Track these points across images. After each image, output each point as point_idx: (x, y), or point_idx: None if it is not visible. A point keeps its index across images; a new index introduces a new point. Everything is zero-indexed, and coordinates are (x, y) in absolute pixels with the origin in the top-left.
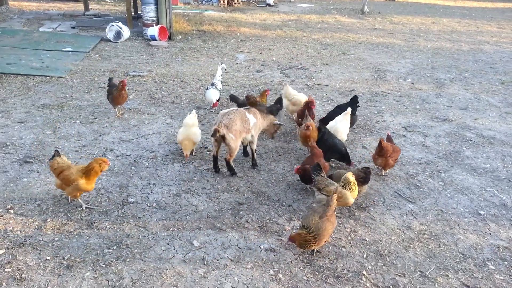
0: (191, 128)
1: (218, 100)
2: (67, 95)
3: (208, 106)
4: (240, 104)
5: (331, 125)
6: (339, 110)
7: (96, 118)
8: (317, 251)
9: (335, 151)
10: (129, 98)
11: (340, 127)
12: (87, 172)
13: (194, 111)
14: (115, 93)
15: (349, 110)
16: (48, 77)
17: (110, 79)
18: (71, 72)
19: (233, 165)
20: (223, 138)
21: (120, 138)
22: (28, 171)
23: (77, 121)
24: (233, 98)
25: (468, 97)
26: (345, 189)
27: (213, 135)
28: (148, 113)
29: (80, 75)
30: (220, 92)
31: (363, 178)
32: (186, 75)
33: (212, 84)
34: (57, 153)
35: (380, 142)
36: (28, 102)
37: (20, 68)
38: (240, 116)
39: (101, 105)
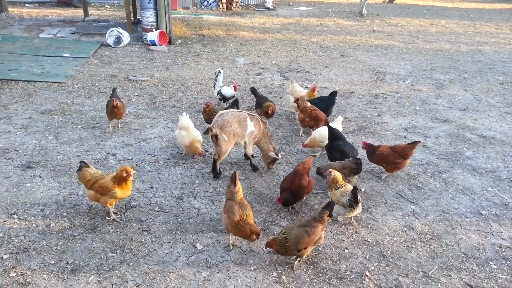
0: (191, 129)
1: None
2: (68, 101)
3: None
4: (258, 98)
5: (319, 129)
6: (318, 101)
7: (97, 123)
8: (303, 261)
9: (342, 153)
10: (130, 103)
11: (325, 132)
12: (118, 182)
13: (184, 113)
14: (107, 108)
15: (340, 118)
16: (49, 83)
17: (113, 90)
18: (72, 77)
19: (218, 167)
20: (216, 138)
21: (122, 143)
22: (31, 176)
23: (79, 126)
24: (253, 91)
25: (467, 98)
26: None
27: (205, 132)
28: (149, 117)
29: (81, 80)
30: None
31: (355, 169)
32: (187, 79)
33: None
34: (84, 164)
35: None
36: (29, 108)
37: (21, 74)
38: (239, 119)
39: (102, 109)
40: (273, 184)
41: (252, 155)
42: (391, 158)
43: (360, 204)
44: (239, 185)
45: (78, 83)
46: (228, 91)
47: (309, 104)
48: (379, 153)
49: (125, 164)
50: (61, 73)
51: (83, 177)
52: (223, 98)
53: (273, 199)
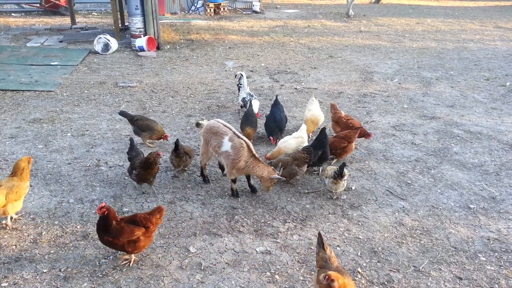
0: None
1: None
2: (57, 109)
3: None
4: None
5: (284, 140)
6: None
7: (87, 130)
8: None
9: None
10: (120, 109)
11: (292, 143)
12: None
13: (206, 120)
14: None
15: (304, 126)
16: (37, 92)
17: (131, 140)
18: (61, 85)
19: (204, 172)
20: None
21: (112, 149)
22: None
23: (69, 134)
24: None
25: (454, 95)
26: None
27: (197, 125)
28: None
29: (70, 88)
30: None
31: (307, 158)
32: (176, 84)
33: (250, 95)
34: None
35: None
36: (18, 117)
37: (9, 84)
38: (217, 131)
39: (91, 117)
40: None
41: (248, 176)
42: (337, 144)
43: (344, 181)
44: (329, 249)
45: (67, 91)
46: (255, 107)
47: (343, 113)
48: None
49: (116, 171)
50: (49, 82)
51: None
52: (245, 107)
53: (265, 200)
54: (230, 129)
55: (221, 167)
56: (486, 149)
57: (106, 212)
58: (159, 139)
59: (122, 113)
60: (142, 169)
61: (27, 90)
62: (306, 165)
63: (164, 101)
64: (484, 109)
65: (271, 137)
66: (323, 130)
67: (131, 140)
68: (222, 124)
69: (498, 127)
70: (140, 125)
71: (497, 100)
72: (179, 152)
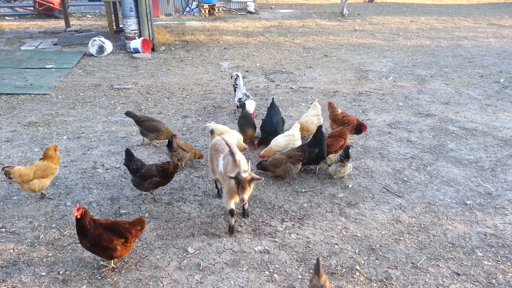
0: (229, 130)
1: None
2: (53, 112)
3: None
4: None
5: (276, 138)
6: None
7: (83, 133)
8: None
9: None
10: (116, 111)
11: (281, 141)
12: None
13: (212, 122)
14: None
15: (298, 124)
16: (32, 95)
17: (128, 152)
18: (56, 88)
19: (217, 186)
20: None
21: (108, 151)
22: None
23: (64, 137)
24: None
25: (449, 92)
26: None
27: (210, 132)
28: (135, 125)
29: (65, 91)
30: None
31: (301, 156)
32: (172, 85)
33: (246, 95)
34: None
35: None
36: (14, 121)
37: (4, 88)
38: (218, 153)
39: (87, 119)
40: (262, 185)
41: (243, 199)
42: (336, 144)
43: (350, 163)
44: (324, 277)
45: (62, 94)
46: (251, 107)
47: (339, 110)
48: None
49: (112, 173)
50: (44, 85)
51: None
52: (241, 108)
53: (263, 200)
54: (229, 147)
55: (218, 188)
56: (481, 145)
57: (83, 211)
58: (167, 139)
59: (129, 114)
60: (163, 178)
61: (22, 94)
62: (301, 163)
63: (160, 102)
64: (478, 106)
65: (255, 141)
66: (319, 128)
67: (128, 151)
68: (224, 141)
69: (493, 123)
70: (147, 126)
71: (492, 97)
72: (171, 148)
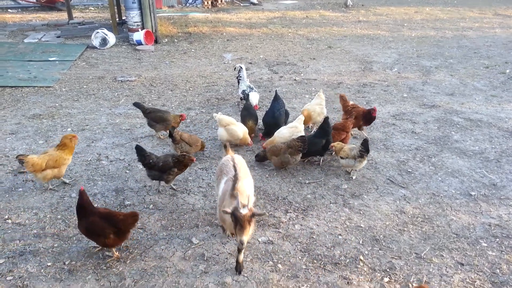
0: (236, 122)
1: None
2: (57, 104)
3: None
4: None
5: (279, 130)
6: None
7: (87, 125)
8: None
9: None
10: (119, 104)
11: (285, 132)
12: None
13: (220, 113)
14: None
15: (301, 117)
16: (36, 88)
17: (138, 148)
18: (59, 81)
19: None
20: None
21: (113, 143)
22: (23, 181)
23: (69, 129)
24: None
25: (454, 83)
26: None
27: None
28: (139, 117)
29: (69, 83)
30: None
31: (301, 147)
32: (175, 77)
33: (250, 87)
34: None
35: None
36: (18, 113)
37: (7, 80)
38: (222, 175)
39: (91, 112)
40: (265, 177)
41: (239, 249)
42: (337, 137)
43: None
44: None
45: (65, 86)
46: (254, 99)
47: (350, 102)
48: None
49: (117, 165)
50: (48, 77)
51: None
52: (245, 100)
53: (267, 191)
54: (235, 171)
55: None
56: (486, 136)
57: (83, 189)
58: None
59: (137, 104)
60: (179, 170)
61: (26, 86)
62: (300, 153)
63: (163, 94)
64: (484, 97)
65: (260, 134)
66: (326, 119)
67: (138, 147)
68: (232, 163)
69: (498, 114)
70: (153, 117)
71: (497, 88)
72: (174, 139)
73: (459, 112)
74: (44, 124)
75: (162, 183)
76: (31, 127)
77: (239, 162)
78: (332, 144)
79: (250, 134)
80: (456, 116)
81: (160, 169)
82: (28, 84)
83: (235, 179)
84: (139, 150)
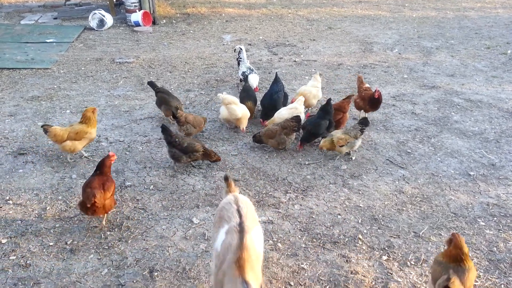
0: (238, 103)
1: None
2: (55, 86)
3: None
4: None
5: (279, 111)
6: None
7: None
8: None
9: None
10: (118, 85)
11: (284, 114)
12: None
13: (225, 92)
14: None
15: (302, 98)
16: (34, 69)
17: (164, 127)
18: (57, 63)
19: None
20: None
21: (112, 125)
22: (23, 162)
23: (68, 111)
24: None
25: (454, 64)
26: None
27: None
28: (138, 98)
29: (66, 65)
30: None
31: (295, 126)
32: (174, 59)
33: (250, 69)
34: None
35: None
36: (16, 95)
37: (5, 62)
38: (223, 220)
39: (89, 93)
40: (265, 158)
41: None
42: (333, 117)
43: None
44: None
45: (63, 68)
46: (254, 81)
47: (366, 85)
48: None
49: (116, 146)
50: (45, 59)
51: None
52: (245, 81)
53: (266, 172)
54: (240, 217)
55: None
56: (486, 117)
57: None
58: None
59: (151, 83)
60: (201, 159)
61: (23, 68)
62: (295, 133)
63: (162, 76)
64: (484, 78)
65: (261, 119)
66: (328, 100)
67: (164, 126)
68: (236, 207)
69: (498, 95)
70: (159, 97)
71: (498, 68)
72: (178, 120)
73: (460, 93)
74: (42, 106)
75: (166, 164)
76: (29, 109)
77: (245, 204)
78: (320, 146)
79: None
80: (456, 97)
81: (183, 150)
82: (26, 66)
83: (241, 230)
84: (165, 129)
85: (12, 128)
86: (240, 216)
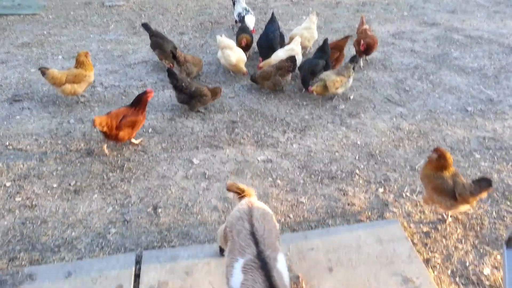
0: (235, 48)
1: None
2: (45, 32)
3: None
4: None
5: (276, 52)
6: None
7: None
8: None
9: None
10: (109, 30)
11: (281, 55)
12: None
13: (223, 34)
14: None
15: (298, 38)
16: (22, 15)
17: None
18: (45, 8)
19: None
20: None
21: (106, 70)
22: (20, 108)
23: (60, 57)
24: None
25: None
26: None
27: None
28: (130, 43)
29: (55, 10)
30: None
31: (291, 67)
32: (165, 1)
33: (246, 10)
34: None
35: None
36: (6, 42)
37: None
38: (237, 249)
39: (81, 38)
40: (263, 100)
41: None
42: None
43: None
44: None
45: (52, 13)
46: (251, 22)
47: (365, 26)
48: None
49: (112, 91)
50: (33, 4)
51: None
52: (241, 22)
53: (264, 113)
54: (256, 245)
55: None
56: (486, 53)
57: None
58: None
59: (145, 26)
60: (209, 99)
61: (10, 14)
62: (290, 74)
63: (154, 19)
64: (486, 13)
65: (260, 58)
66: (325, 40)
67: (170, 70)
68: (249, 224)
69: (500, 30)
70: (153, 41)
71: (501, 3)
72: (178, 61)
73: (460, 29)
74: (34, 53)
75: (163, 108)
76: (21, 56)
77: (260, 217)
78: (311, 89)
79: (247, 47)
80: (457, 33)
81: (191, 95)
82: (13, 12)
83: (264, 266)
84: (171, 73)
85: (5, 75)
86: (257, 243)
